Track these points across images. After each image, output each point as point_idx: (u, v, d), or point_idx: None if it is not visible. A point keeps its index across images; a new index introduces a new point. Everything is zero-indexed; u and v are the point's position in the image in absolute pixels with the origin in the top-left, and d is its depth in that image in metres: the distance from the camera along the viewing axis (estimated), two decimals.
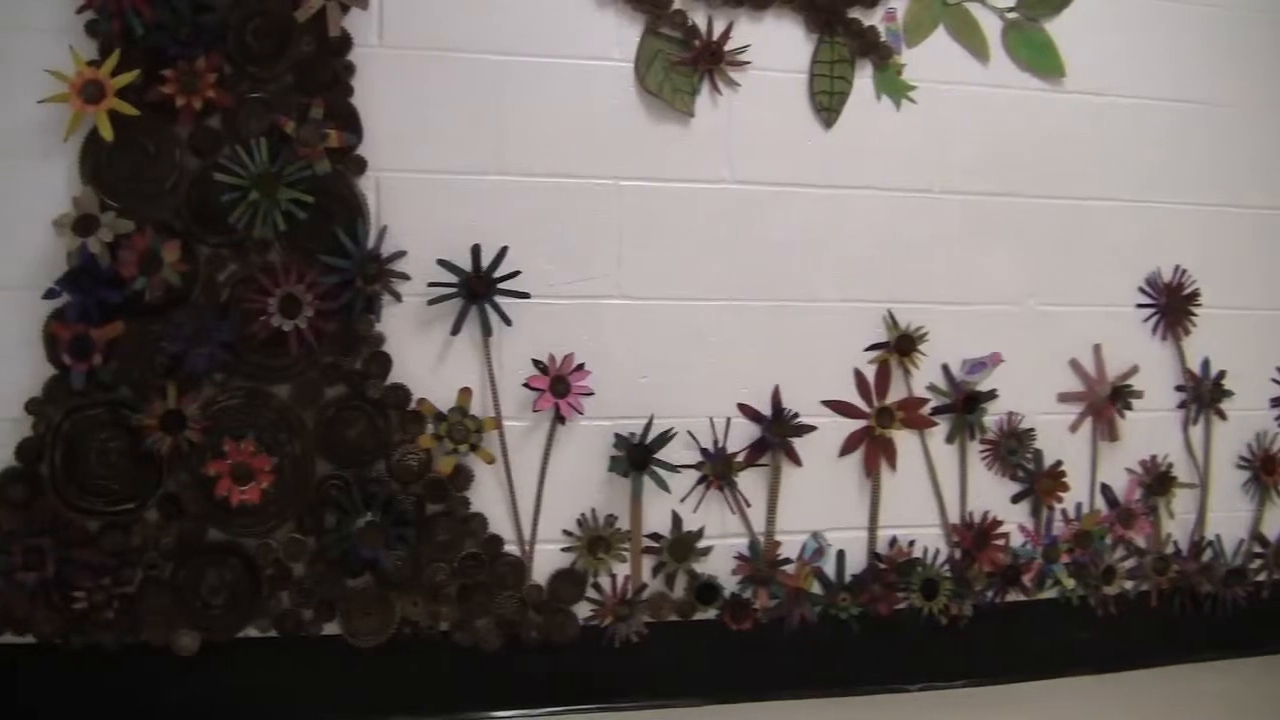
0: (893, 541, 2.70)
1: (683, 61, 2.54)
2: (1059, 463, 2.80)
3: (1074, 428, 2.83)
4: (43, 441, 2.25)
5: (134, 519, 2.29)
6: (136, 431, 2.26)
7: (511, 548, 2.47)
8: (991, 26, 2.73)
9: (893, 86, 2.68)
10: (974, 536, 2.72)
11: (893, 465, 2.71)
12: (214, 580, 2.33)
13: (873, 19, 2.65)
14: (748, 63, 2.58)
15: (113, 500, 2.29)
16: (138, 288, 2.24)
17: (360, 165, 2.36)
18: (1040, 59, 2.76)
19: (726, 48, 2.57)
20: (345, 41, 2.34)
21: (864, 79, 2.68)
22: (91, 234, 2.23)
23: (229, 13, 2.27)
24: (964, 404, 2.72)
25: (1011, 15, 2.72)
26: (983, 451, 2.77)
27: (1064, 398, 2.82)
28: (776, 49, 2.61)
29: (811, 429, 2.63)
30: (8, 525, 2.22)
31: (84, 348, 2.24)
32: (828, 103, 2.65)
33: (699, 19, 2.56)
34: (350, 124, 2.35)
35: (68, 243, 2.23)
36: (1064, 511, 2.82)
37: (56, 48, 2.23)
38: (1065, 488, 2.81)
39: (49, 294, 2.23)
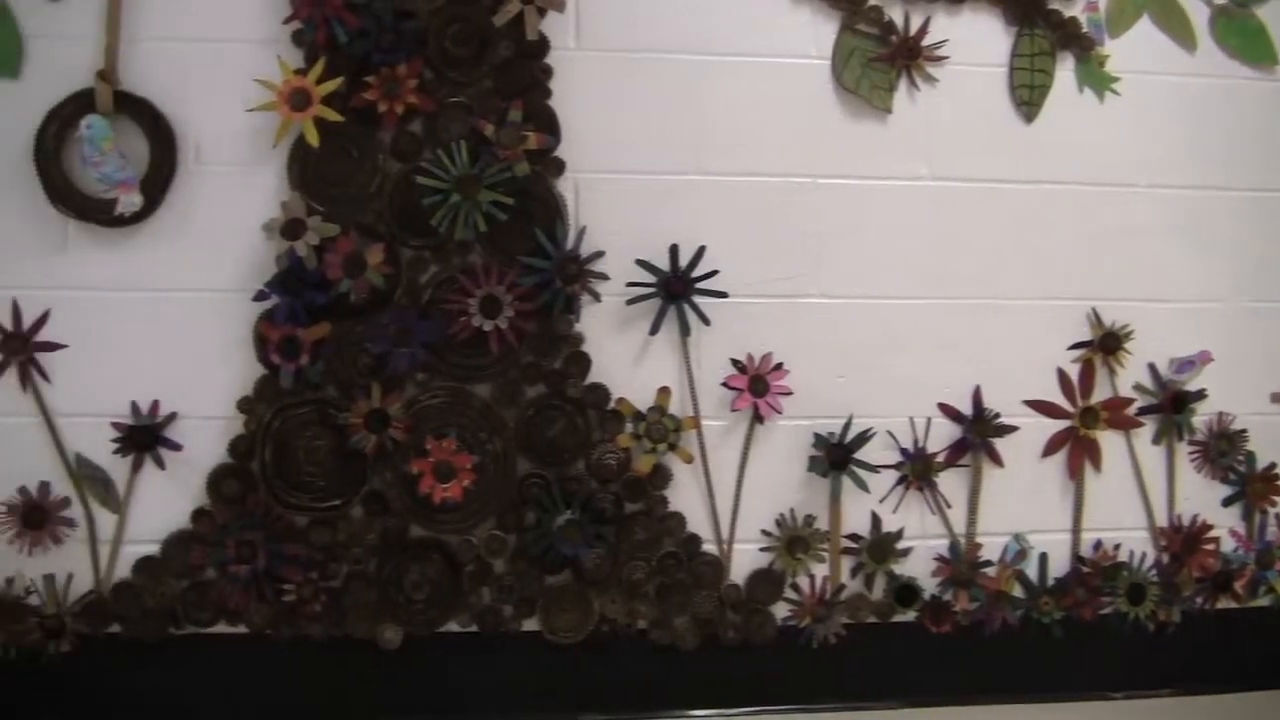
0: (1097, 544, 2.33)
1: (880, 58, 2.23)
2: (1272, 465, 2.38)
3: None
4: (254, 439, 2.09)
5: (340, 515, 2.11)
6: (342, 430, 2.08)
7: (710, 547, 2.20)
8: (1199, 14, 2.33)
9: (1095, 79, 2.30)
10: (1183, 541, 2.33)
11: (1097, 466, 2.33)
12: (416, 576, 2.12)
13: (1074, 10, 2.29)
14: (946, 58, 2.25)
15: (320, 497, 2.10)
16: (343, 290, 2.05)
17: (559, 167, 2.13)
18: (1251, 47, 2.34)
19: (924, 43, 2.25)
20: (543, 45, 2.11)
21: (1065, 71, 2.32)
22: (299, 238, 2.06)
23: (429, 19, 2.07)
24: (1172, 404, 2.32)
25: (1220, 1, 2.32)
26: (1191, 453, 2.37)
27: (1277, 398, 2.39)
28: (975, 43, 2.27)
29: (1013, 429, 2.28)
30: (221, 519, 2.08)
31: (292, 348, 2.06)
32: (1028, 97, 2.28)
33: (895, 14, 2.24)
34: (549, 126, 2.11)
35: (276, 246, 2.07)
36: (1278, 516, 2.38)
37: (265, 57, 2.07)
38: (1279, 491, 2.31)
39: (258, 296, 2.07)
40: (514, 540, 2.12)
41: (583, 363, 2.12)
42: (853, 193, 2.22)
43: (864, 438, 2.21)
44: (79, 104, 2.04)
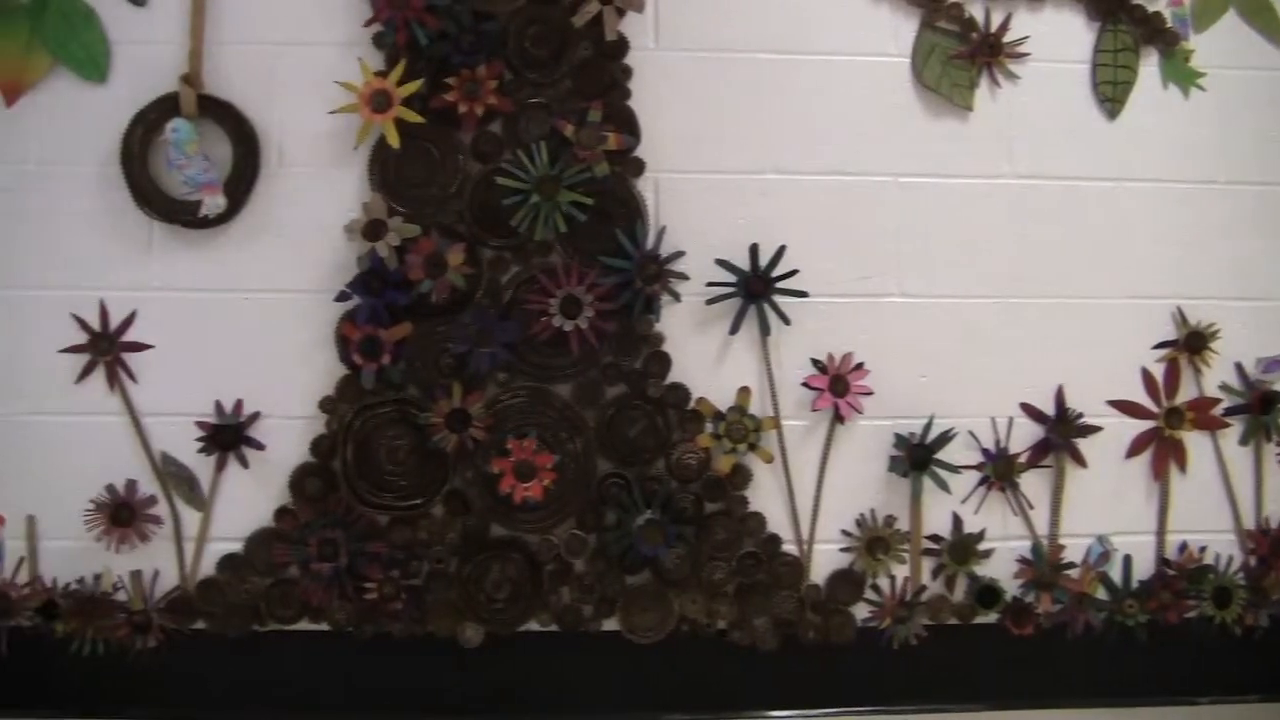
0: (1182, 547, 2.23)
1: (960, 55, 2.16)
2: None
3: None
4: (336, 438, 2.05)
5: (421, 514, 2.07)
6: (423, 429, 2.04)
7: (790, 547, 2.14)
8: None
9: (1180, 74, 2.21)
10: (1271, 544, 2.23)
11: (1182, 468, 2.23)
12: (497, 575, 2.08)
13: (1158, 4, 2.21)
14: (1027, 54, 2.18)
15: (401, 495, 2.07)
16: (424, 290, 2.02)
17: (639, 167, 2.08)
18: None
19: (1005, 39, 2.18)
20: (622, 45, 2.07)
21: (1149, 67, 2.24)
22: (380, 239, 2.03)
23: (509, 21, 2.04)
24: (1260, 404, 2.22)
25: None
26: None
27: None
28: (1057, 39, 2.19)
29: (1097, 430, 2.20)
30: (304, 518, 2.05)
31: (373, 348, 2.04)
32: (1111, 93, 2.21)
33: (976, 11, 2.17)
34: (628, 126, 2.07)
35: (358, 247, 2.04)
36: None
37: (346, 60, 2.05)
38: None
39: (340, 297, 2.05)
40: (594, 540, 2.07)
41: (663, 363, 2.06)
42: (934, 191, 2.15)
43: (945, 438, 2.14)
44: (164, 108, 2.03)
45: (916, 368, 2.15)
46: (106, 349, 2.04)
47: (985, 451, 2.16)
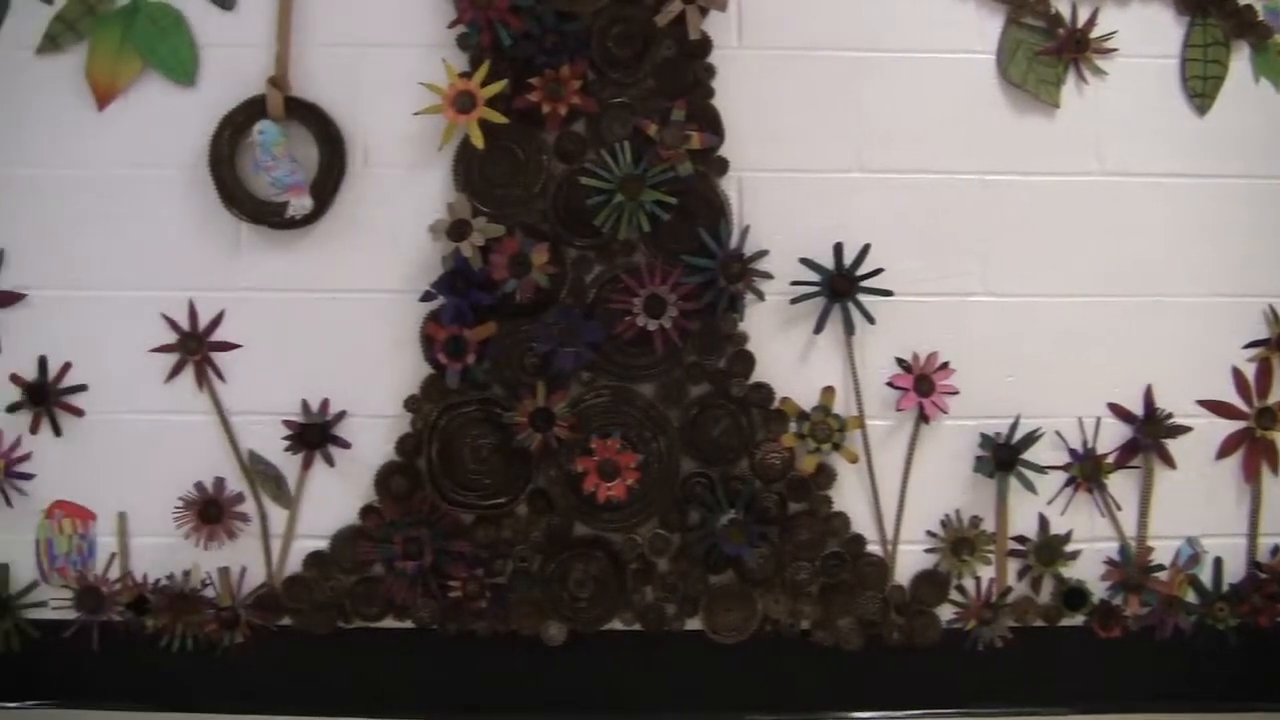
0: (1275, 550, 2.18)
1: (1046, 51, 2.11)
2: None
3: None
4: (420, 437, 2.05)
5: (505, 513, 2.06)
6: (508, 428, 2.03)
7: (874, 548, 2.11)
8: None
9: (1272, 69, 2.17)
10: None
11: (1275, 469, 2.17)
12: (580, 574, 2.07)
13: None
14: (1115, 50, 2.12)
15: (485, 494, 2.06)
16: (508, 290, 2.01)
17: (722, 166, 2.05)
18: None
19: (1092, 35, 2.12)
20: (705, 44, 2.04)
21: (1240, 62, 2.17)
22: (464, 239, 2.02)
23: (592, 21, 2.02)
24: None
25: None
26: None
27: None
28: (1145, 34, 2.14)
29: (1186, 430, 2.14)
30: (389, 516, 2.05)
31: (458, 348, 2.03)
32: (1201, 88, 2.15)
33: (1063, 7, 2.12)
34: (712, 125, 2.04)
35: (442, 247, 2.04)
36: None
37: (430, 61, 2.05)
38: None
39: (425, 296, 2.04)
40: (677, 539, 2.05)
41: (747, 362, 2.04)
42: (1020, 189, 2.10)
43: (1032, 438, 2.10)
44: (251, 110, 2.03)
45: (1002, 367, 2.11)
46: (195, 349, 2.04)
47: (1072, 452, 2.12)
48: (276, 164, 2.00)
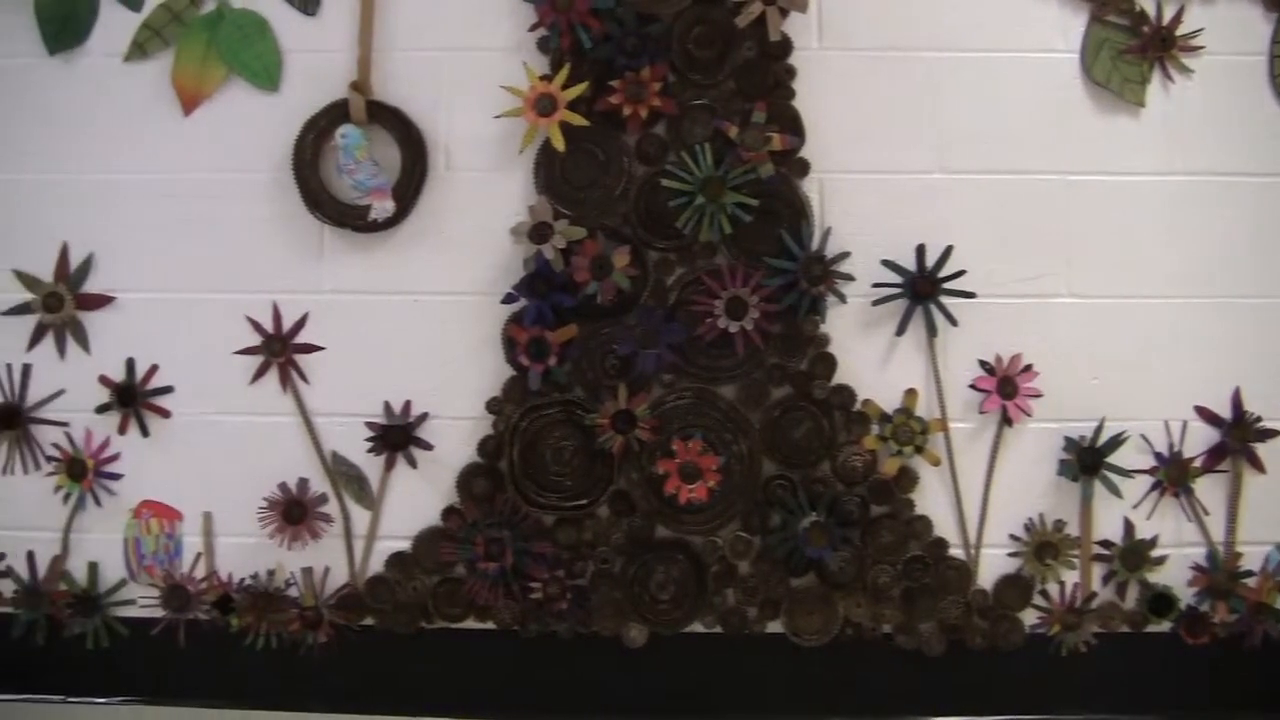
0: None
1: (1131, 50, 2.06)
2: None
3: None
4: (503, 439, 2.05)
5: (586, 514, 2.05)
6: (589, 430, 2.02)
7: (956, 551, 2.07)
8: None
9: None
10: None
11: None
12: (662, 576, 2.05)
13: None
14: (1201, 48, 2.07)
15: (567, 496, 2.05)
16: (589, 292, 2.00)
17: (803, 167, 2.03)
18: None
19: (1178, 33, 2.08)
20: (785, 45, 2.02)
21: None
22: (546, 241, 2.01)
23: (672, 22, 2.00)
24: None
25: None
26: None
27: None
28: (1231, 31, 2.08)
29: (1276, 434, 2.09)
30: (471, 517, 2.05)
31: (540, 350, 2.02)
32: None
33: (1147, 4, 2.07)
34: (792, 127, 2.02)
35: (524, 250, 2.03)
36: None
37: (511, 64, 2.04)
38: None
39: (507, 299, 2.03)
40: (759, 542, 2.03)
41: (828, 364, 2.02)
42: (1104, 189, 2.06)
43: (1117, 441, 2.05)
44: (334, 114, 2.04)
45: (1087, 369, 2.07)
46: (279, 351, 2.05)
47: (1158, 455, 2.07)
48: (359, 167, 2.00)
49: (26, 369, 2.11)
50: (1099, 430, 2.06)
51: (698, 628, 2.06)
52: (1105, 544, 2.08)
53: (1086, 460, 2.05)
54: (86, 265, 2.11)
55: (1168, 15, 2.07)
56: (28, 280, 2.10)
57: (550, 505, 2.05)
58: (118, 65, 2.10)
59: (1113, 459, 2.06)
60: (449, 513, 2.07)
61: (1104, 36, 2.07)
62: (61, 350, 2.10)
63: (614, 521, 2.05)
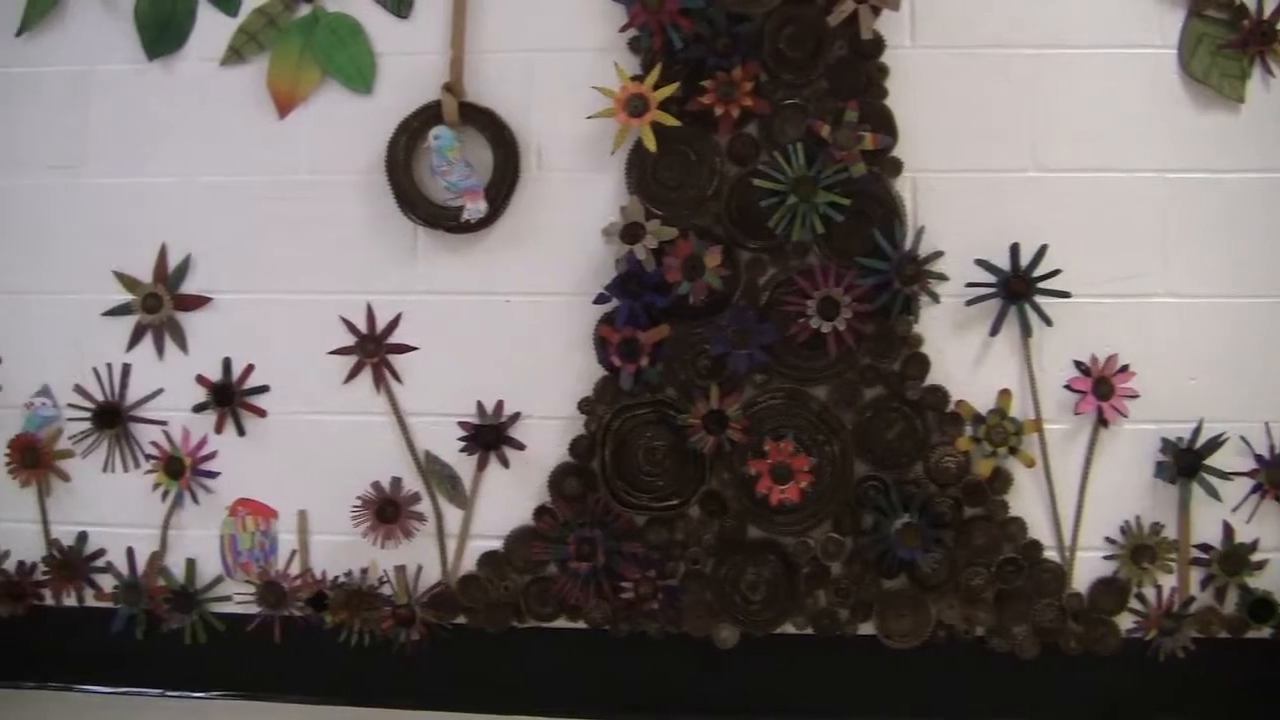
0: None
1: (1230, 44, 2.02)
2: None
3: None
4: (594, 439, 2.05)
5: (678, 515, 2.05)
6: (681, 430, 2.01)
7: (1051, 554, 2.04)
8: None
9: None
10: None
11: None
12: (753, 577, 2.04)
13: None
14: None
15: (658, 496, 2.05)
16: (681, 292, 1.99)
17: (896, 166, 2.01)
18: None
19: (1279, 26, 1.98)
20: (878, 44, 2.00)
21: None
22: (638, 241, 2.00)
23: (763, 22, 1.99)
24: None
25: None
26: None
27: None
28: None
29: None
30: (562, 517, 2.05)
31: (632, 350, 2.02)
32: None
33: None
34: (885, 126, 2.00)
35: (616, 250, 2.02)
36: None
37: (602, 65, 2.04)
38: None
39: (599, 299, 2.03)
40: (851, 543, 2.01)
41: (921, 364, 2.00)
42: (1202, 187, 2.02)
43: (1215, 443, 2.01)
44: (427, 116, 2.05)
45: (1184, 370, 2.03)
46: (373, 351, 2.06)
47: (1259, 458, 2.02)
48: (451, 168, 2.01)
49: (126, 369, 2.14)
50: (1197, 432, 2.02)
51: (789, 629, 2.06)
52: (1204, 548, 2.04)
53: (1184, 462, 2.01)
54: (184, 266, 2.13)
55: (1268, 9, 2.02)
56: (127, 281, 2.12)
57: (642, 505, 2.04)
58: (214, 70, 2.12)
59: (1211, 461, 2.02)
60: (541, 512, 2.07)
61: (1203, 31, 2.03)
62: (160, 350, 2.12)
63: (705, 522, 2.04)
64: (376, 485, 2.09)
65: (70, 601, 2.20)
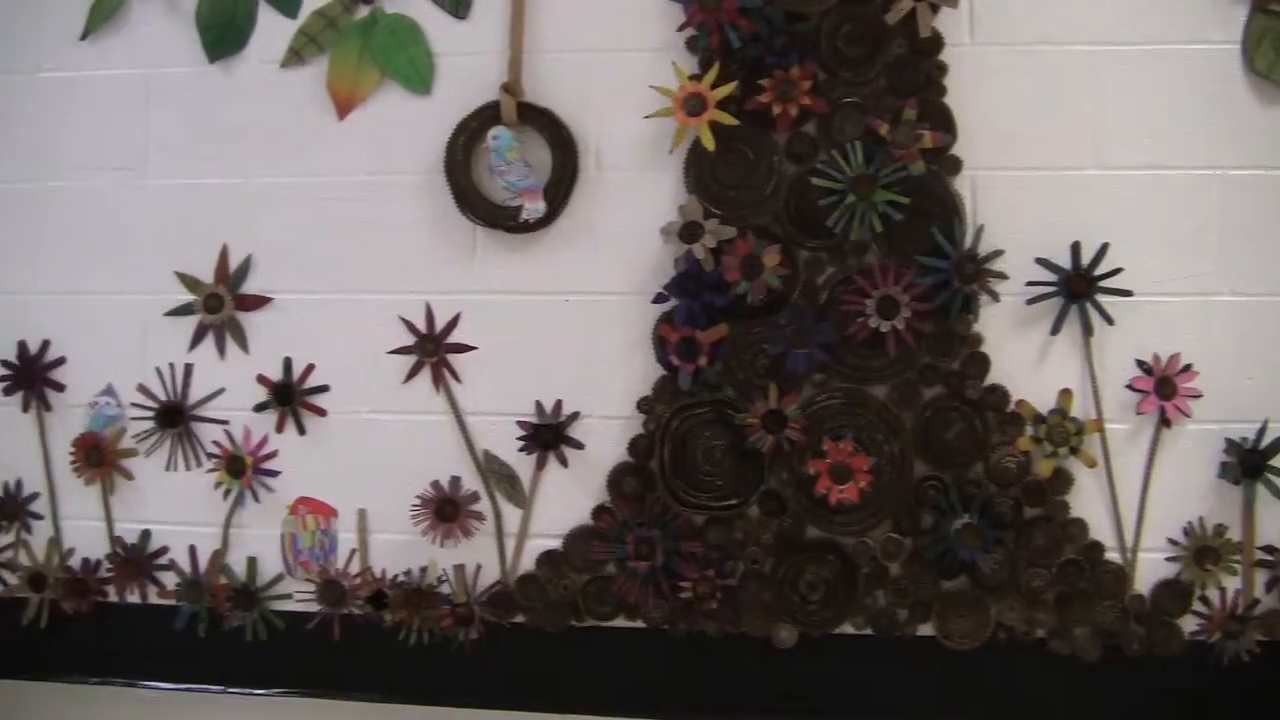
0: None
1: None
2: None
3: None
4: (653, 438, 2.05)
5: (737, 514, 2.04)
6: (740, 430, 2.01)
7: (1113, 555, 2.02)
8: None
9: None
10: None
11: None
12: (812, 576, 2.04)
13: None
14: None
15: (717, 496, 2.05)
16: (740, 291, 1.99)
17: (955, 165, 2.00)
18: None
19: None
20: (936, 41, 1.99)
21: None
22: (696, 240, 2.01)
23: (821, 21, 1.99)
24: None
25: None
26: None
27: None
28: None
29: None
30: (621, 516, 2.05)
31: (690, 349, 2.02)
32: None
33: None
34: (944, 124, 1.99)
35: (674, 249, 2.03)
36: None
37: (660, 64, 2.04)
38: None
39: (658, 298, 2.03)
40: (910, 543, 2.01)
41: (981, 364, 1.98)
42: (1266, 184, 1.99)
43: None
44: (486, 116, 2.06)
45: (1248, 369, 2.00)
46: (432, 350, 2.07)
47: None
48: (510, 169, 2.01)
49: (188, 368, 2.16)
50: (1262, 432, 2.00)
51: (848, 629, 2.05)
52: (1269, 549, 2.01)
53: (1249, 463, 1.98)
54: (245, 267, 2.15)
55: None
56: (189, 282, 2.14)
57: (700, 505, 2.04)
58: (275, 71, 2.14)
59: (1276, 461, 1.99)
60: (600, 511, 2.08)
61: (1268, 26, 2.00)
62: (221, 350, 2.14)
63: (764, 521, 2.04)
64: (436, 484, 2.10)
65: (133, 599, 2.23)
